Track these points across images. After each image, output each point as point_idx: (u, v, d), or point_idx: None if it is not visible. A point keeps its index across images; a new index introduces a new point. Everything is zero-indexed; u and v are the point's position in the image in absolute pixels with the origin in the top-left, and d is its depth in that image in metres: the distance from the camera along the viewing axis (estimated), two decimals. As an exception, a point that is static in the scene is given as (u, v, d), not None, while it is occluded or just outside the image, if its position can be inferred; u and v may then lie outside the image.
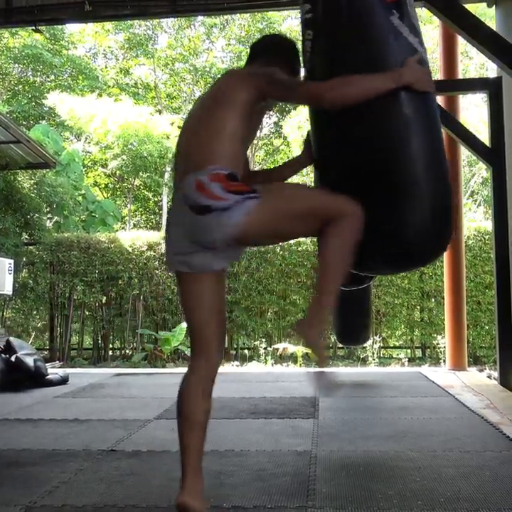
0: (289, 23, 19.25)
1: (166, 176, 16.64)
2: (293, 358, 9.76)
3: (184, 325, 8.38)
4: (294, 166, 2.83)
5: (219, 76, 2.68)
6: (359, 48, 2.46)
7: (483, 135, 6.57)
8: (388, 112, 2.41)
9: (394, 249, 2.53)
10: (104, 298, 10.79)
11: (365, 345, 8.82)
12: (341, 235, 2.23)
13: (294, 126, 14.52)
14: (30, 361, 6.12)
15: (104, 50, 20.51)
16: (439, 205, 2.49)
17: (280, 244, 10.20)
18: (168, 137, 15.62)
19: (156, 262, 10.26)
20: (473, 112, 15.12)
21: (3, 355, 6.18)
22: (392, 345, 11.19)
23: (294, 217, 2.28)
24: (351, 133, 2.46)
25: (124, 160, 15.50)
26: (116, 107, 15.32)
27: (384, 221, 2.44)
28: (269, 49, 2.63)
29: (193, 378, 2.36)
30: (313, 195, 2.40)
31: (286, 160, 3.02)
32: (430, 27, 15.41)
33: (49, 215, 13.03)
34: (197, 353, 2.39)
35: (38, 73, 19.22)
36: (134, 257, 10.40)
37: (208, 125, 2.36)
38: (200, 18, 18.13)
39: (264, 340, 10.12)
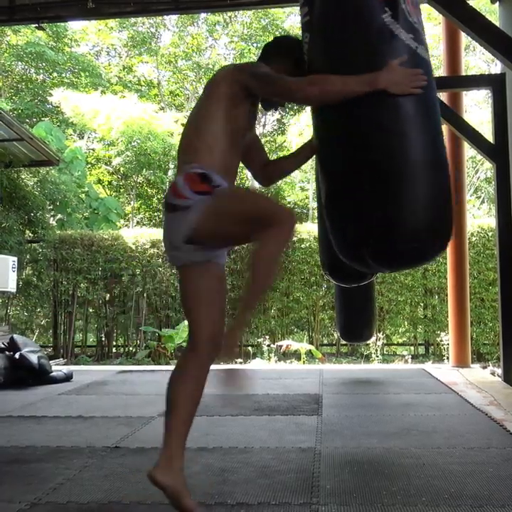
0: (292, 20, 19.23)
1: (170, 172, 16.64)
2: (296, 355, 9.77)
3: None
4: (299, 156, 2.88)
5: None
6: (352, 48, 2.48)
7: (486, 135, 6.55)
8: (386, 105, 2.41)
9: (390, 246, 2.53)
10: (108, 295, 10.80)
11: (368, 342, 8.82)
12: (270, 246, 2.25)
13: (302, 124, 14.50)
14: (34, 358, 6.13)
15: (108, 48, 20.50)
16: (438, 200, 2.49)
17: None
18: (171, 135, 15.63)
19: (160, 260, 10.27)
20: (475, 113, 15.09)
21: (7, 353, 6.20)
22: (395, 342, 11.19)
23: (235, 220, 2.33)
24: (351, 126, 2.48)
25: (128, 156, 15.51)
26: (120, 103, 15.33)
27: (380, 216, 2.46)
28: (272, 48, 2.70)
29: (180, 362, 2.48)
30: (255, 200, 2.42)
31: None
32: (431, 24, 15.38)
33: (52, 213, 13.05)
34: (189, 340, 2.48)
35: (41, 71, 19.22)
36: (137, 254, 10.42)
37: (195, 123, 2.48)
38: (203, 15, 18.11)
39: (267, 337, 10.13)
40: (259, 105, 2.67)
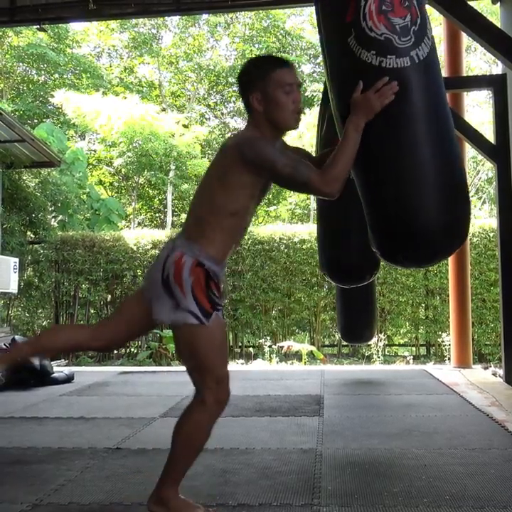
0: (293, 21, 19.25)
1: (171, 173, 16.65)
2: (298, 356, 9.77)
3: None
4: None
5: (223, 142, 2.60)
6: (334, 78, 2.68)
7: (486, 135, 6.55)
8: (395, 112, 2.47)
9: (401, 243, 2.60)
10: (109, 296, 10.80)
11: (369, 343, 8.82)
12: (196, 423, 2.34)
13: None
14: (35, 360, 6.13)
15: (109, 49, 20.52)
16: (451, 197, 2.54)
17: (284, 242, 10.22)
18: (173, 136, 15.63)
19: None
20: (475, 113, 15.08)
21: (8, 354, 6.20)
22: (396, 343, 11.19)
23: (192, 358, 2.35)
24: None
25: (129, 157, 15.53)
26: (122, 104, 15.35)
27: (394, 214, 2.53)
28: (244, 87, 2.47)
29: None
30: (214, 359, 2.35)
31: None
32: (432, 25, 15.36)
33: (54, 214, 13.05)
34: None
35: (43, 72, 19.24)
36: (138, 255, 10.43)
37: (209, 194, 2.39)
38: (204, 16, 18.13)
39: (268, 338, 10.12)
40: None
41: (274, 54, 2.72)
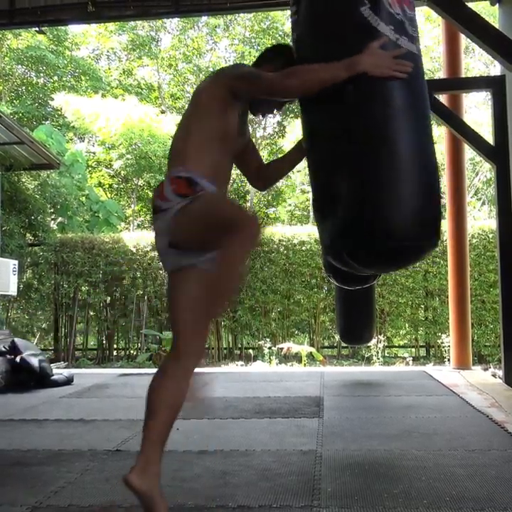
0: (292, 23, 19.22)
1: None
2: (297, 358, 9.76)
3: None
4: (292, 156, 2.87)
5: None
6: (333, 43, 2.50)
7: (485, 136, 6.55)
8: (373, 97, 2.41)
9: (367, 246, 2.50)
10: (109, 298, 10.80)
11: (369, 344, 8.82)
12: (233, 250, 2.20)
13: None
14: (35, 362, 6.13)
15: (108, 52, 20.53)
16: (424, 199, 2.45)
17: (283, 243, 10.22)
18: (171, 137, 15.64)
19: (160, 263, 10.25)
20: (474, 114, 15.09)
21: (8, 356, 6.20)
22: (396, 345, 11.19)
23: (203, 224, 2.32)
24: (335, 121, 2.48)
25: (128, 159, 15.52)
26: (120, 106, 15.36)
27: (371, 213, 2.42)
28: (262, 54, 2.72)
29: (163, 367, 2.41)
30: (222, 206, 2.37)
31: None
32: (430, 26, 15.41)
33: (53, 216, 13.05)
34: (173, 347, 2.41)
35: (42, 74, 19.24)
36: (138, 257, 10.42)
37: (185, 127, 2.50)
38: (203, 18, 18.13)
39: (268, 339, 10.12)
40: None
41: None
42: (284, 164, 2.91)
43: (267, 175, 2.86)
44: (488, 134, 6.51)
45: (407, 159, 2.41)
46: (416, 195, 2.41)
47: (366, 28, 2.41)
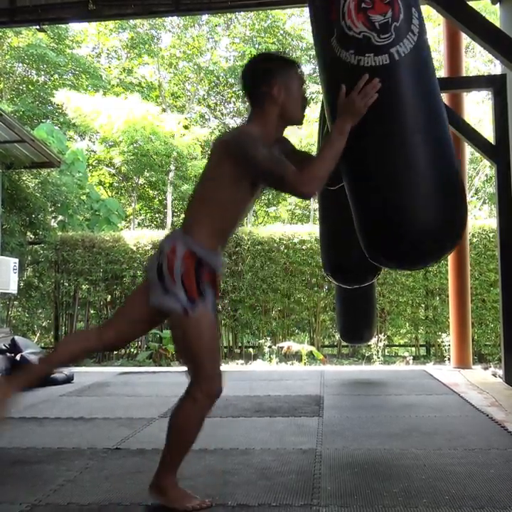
0: (293, 21, 19.24)
1: (171, 174, 16.64)
2: (297, 357, 9.76)
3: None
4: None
5: (212, 143, 2.68)
6: (321, 79, 2.77)
7: (485, 133, 6.55)
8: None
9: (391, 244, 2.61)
10: (109, 297, 10.80)
11: (369, 343, 8.81)
12: (189, 411, 2.44)
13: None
14: (35, 360, 6.12)
15: (108, 50, 20.51)
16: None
17: (284, 242, 10.22)
18: (173, 136, 15.62)
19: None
20: (473, 112, 15.06)
21: (8, 354, 6.20)
22: (396, 344, 11.19)
23: (183, 346, 2.45)
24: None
25: (130, 157, 15.51)
26: (122, 103, 15.34)
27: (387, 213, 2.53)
28: (262, 74, 2.50)
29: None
30: (202, 345, 2.41)
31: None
32: (431, 25, 15.39)
33: (53, 214, 13.05)
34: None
35: (42, 72, 19.23)
36: (138, 255, 10.42)
37: (197, 193, 2.54)
38: (204, 17, 18.12)
39: (268, 338, 10.12)
40: None
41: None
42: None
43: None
44: (487, 130, 6.49)
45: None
46: (438, 196, 2.52)
47: (330, 59, 2.57)
